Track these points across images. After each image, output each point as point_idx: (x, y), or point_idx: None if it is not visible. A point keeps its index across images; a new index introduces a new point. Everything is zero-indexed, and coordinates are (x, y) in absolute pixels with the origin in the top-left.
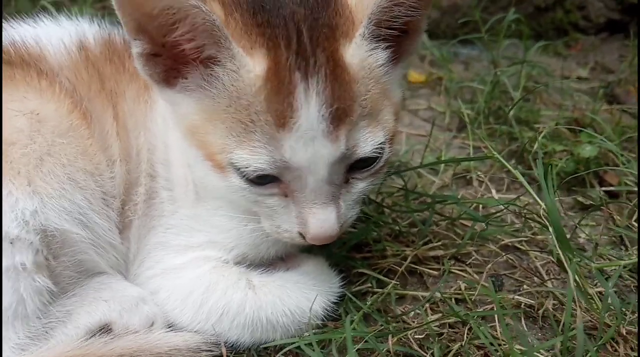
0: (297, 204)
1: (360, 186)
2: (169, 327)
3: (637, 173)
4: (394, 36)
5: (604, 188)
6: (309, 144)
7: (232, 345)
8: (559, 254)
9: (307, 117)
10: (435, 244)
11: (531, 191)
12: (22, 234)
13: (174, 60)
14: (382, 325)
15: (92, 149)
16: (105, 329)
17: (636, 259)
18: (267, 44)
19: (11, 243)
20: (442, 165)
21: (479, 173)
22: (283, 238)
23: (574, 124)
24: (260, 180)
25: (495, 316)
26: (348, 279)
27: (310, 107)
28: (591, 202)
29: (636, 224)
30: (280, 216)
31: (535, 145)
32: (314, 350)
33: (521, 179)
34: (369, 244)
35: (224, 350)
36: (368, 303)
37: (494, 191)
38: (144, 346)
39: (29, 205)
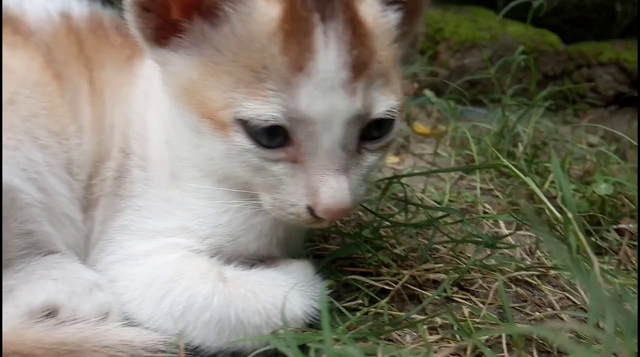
0: (307, 172)
1: (370, 158)
2: (126, 322)
3: None
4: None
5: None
6: (327, 94)
7: (196, 349)
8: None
9: (326, 61)
10: (436, 265)
11: (542, 195)
12: None
13: (163, 18)
14: (371, 341)
15: (61, 110)
16: (50, 312)
17: None
18: None
19: None
20: (447, 198)
21: (487, 206)
22: (287, 216)
23: (585, 175)
24: (269, 141)
25: (504, 341)
26: (337, 294)
27: (329, 50)
28: (607, 245)
29: None
30: (286, 186)
31: (547, 183)
32: (289, 347)
33: (532, 185)
34: (364, 261)
35: (182, 353)
36: (357, 315)
37: (503, 226)
38: (91, 337)
39: None
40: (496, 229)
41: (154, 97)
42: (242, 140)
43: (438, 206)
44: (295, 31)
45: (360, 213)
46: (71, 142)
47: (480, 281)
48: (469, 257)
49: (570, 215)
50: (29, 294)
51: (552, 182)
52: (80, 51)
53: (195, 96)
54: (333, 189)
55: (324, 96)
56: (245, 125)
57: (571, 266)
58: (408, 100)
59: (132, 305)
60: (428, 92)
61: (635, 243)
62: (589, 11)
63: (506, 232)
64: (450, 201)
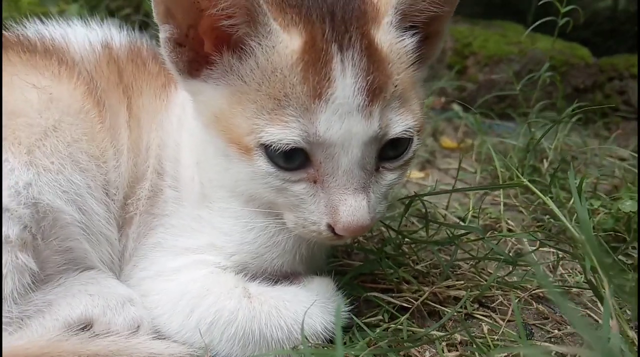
0: (326, 191)
1: (389, 177)
2: (156, 335)
3: None
4: (419, 39)
5: None
6: (344, 118)
7: None
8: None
9: (343, 88)
10: (457, 282)
11: (562, 215)
12: (11, 205)
13: (196, 52)
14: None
15: (101, 136)
16: (86, 325)
17: None
18: (304, 21)
19: None
20: (470, 215)
21: (509, 222)
22: (309, 233)
23: (614, 190)
24: (289, 164)
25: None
26: (358, 310)
27: (346, 78)
28: (632, 261)
29: None
30: (307, 206)
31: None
32: None
33: (551, 204)
34: (385, 278)
35: None
36: (377, 331)
37: (526, 243)
38: (122, 349)
39: (24, 176)
40: (519, 246)
41: (186, 122)
42: (264, 164)
43: (460, 223)
44: (315, 61)
45: (383, 230)
46: (109, 165)
47: (501, 298)
48: (491, 273)
49: (583, 237)
50: (67, 308)
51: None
52: (120, 79)
53: (223, 123)
54: (352, 208)
55: (341, 121)
56: (267, 150)
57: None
58: (435, 115)
59: (163, 319)
60: (456, 106)
61: None
62: (621, 23)
63: (529, 248)
64: (473, 217)
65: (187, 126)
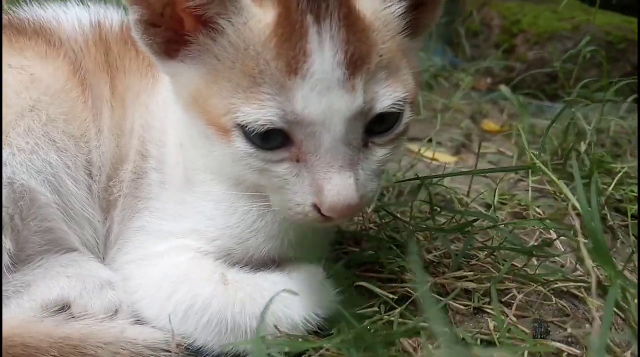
0: (310, 170)
1: (380, 153)
2: (136, 320)
3: None
4: (413, 6)
5: None
6: (324, 94)
7: (199, 349)
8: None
9: (321, 62)
10: (469, 273)
11: (570, 195)
12: None
13: (174, 31)
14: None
15: (82, 115)
16: (63, 307)
17: None
18: None
19: None
20: (496, 201)
21: (537, 210)
22: (295, 216)
23: None
24: (269, 143)
25: None
26: (352, 301)
27: (324, 51)
28: None
29: None
30: (291, 186)
31: (611, 187)
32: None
33: (564, 188)
34: (388, 266)
35: (173, 346)
36: (366, 323)
37: (553, 233)
38: (95, 333)
39: None
40: (547, 236)
41: (171, 103)
42: (242, 144)
43: (479, 211)
44: (289, 35)
45: (399, 215)
46: (91, 144)
47: (515, 292)
48: (514, 265)
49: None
50: (44, 289)
51: (621, 183)
52: (106, 59)
53: (201, 103)
54: (338, 186)
55: (321, 97)
56: (244, 130)
57: None
58: (478, 96)
59: (143, 303)
60: (503, 88)
61: None
62: None
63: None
64: (502, 203)
65: (172, 107)
